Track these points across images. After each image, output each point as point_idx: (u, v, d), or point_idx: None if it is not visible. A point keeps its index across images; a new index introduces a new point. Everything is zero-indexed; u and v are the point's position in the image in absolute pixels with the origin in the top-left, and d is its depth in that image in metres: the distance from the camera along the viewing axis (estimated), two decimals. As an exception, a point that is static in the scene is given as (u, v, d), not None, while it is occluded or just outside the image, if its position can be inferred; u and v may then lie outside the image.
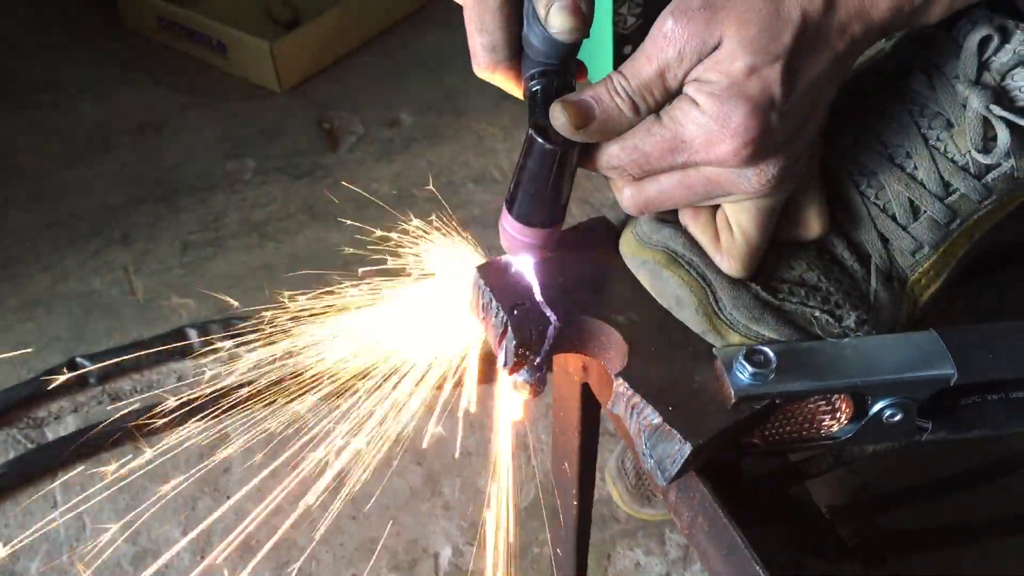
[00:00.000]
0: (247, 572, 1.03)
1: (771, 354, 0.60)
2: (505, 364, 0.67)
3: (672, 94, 0.58)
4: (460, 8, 0.62)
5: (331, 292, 0.82)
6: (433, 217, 0.80)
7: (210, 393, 0.90)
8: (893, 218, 0.69)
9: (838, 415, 0.65)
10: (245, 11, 2.51)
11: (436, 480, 1.50)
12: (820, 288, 0.68)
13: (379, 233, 0.85)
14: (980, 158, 0.67)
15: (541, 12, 0.58)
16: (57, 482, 1.50)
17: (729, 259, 0.66)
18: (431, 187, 1.89)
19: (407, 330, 0.78)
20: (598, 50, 2.15)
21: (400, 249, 0.81)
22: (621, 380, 0.62)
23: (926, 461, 1.29)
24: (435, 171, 2.13)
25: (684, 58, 0.56)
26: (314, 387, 0.82)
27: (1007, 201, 0.71)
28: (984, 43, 0.65)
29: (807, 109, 0.59)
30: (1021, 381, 0.65)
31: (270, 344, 0.85)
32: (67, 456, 1.50)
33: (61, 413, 1.61)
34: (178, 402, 0.95)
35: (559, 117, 0.58)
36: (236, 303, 1.58)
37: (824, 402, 0.64)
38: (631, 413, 0.61)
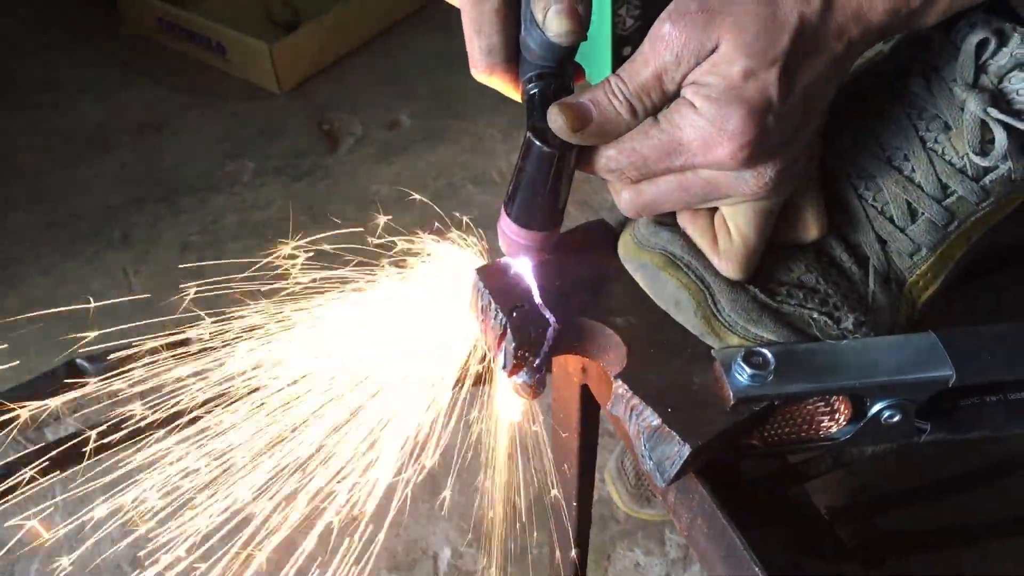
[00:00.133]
0: (247, 573, 1.03)
1: (770, 356, 0.60)
2: (504, 366, 0.67)
3: (670, 97, 0.58)
4: (459, 11, 0.62)
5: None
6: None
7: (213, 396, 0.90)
8: (891, 220, 0.69)
9: (837, 416, 0.65)
10: (245, 12, 2.51)
11: (436, 480, 1.50)
12: (818, 290, 0.68)
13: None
14: (978, 160, 0.67)
15: (538, 15, 0.58)
16: (57, 482, 1.50)
17: (727, 261, 0.66)
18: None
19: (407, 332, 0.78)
20: (597, 52, 2.15)
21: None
22: (620, 382, 0.62)
23: (925, 463, 1.29)
24: (434, 172, 2.14)
25: (681, 61, 0.56)
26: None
27: (1005, 203, 0.71)
28: (982, 46, 0.66)
29: (805, 112, 0.59)
30: (1019, 382, 0.65)
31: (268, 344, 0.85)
32: (67, 456, 1.50)
33: (61, 414, 1.61)
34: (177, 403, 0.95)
35: (557, 119, 0.58)
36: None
37: (823, 403, 0.64)
38: (630, 414, 0.61)
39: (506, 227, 0.65)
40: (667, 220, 0.69)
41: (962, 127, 0.67)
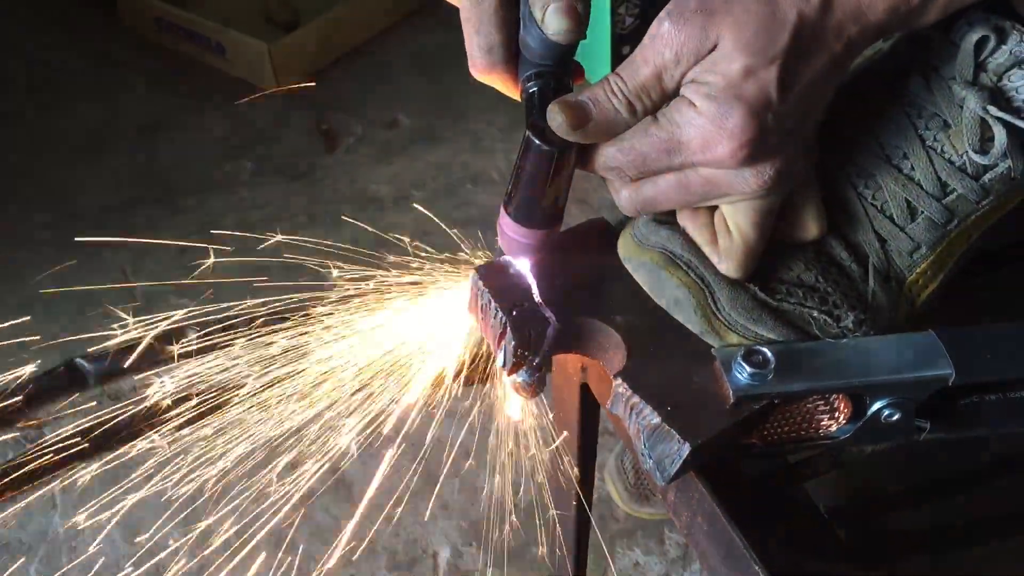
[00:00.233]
0: (247, 573, 1.03)
1: (769, 354, 0.60)
2: (504, 365, 0.67)
3: (669, 96, 0.58)
4: (457, 10, 0.62)
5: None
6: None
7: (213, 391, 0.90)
8: (891, 219, 0.69)
9: (836, 415, 0.65)
10: (244, 12, 2.51)
11: (435, 480, 1.50)
12: (818, 288, 0.68)
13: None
14: (977, 159, 0.67)
15: (537, 14, 0.58)
16: (57, 482, 1.50)
17: (727, 260, 0.66)
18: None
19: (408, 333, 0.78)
20: (596, 51, 2.15)
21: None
22: (620, 380, 0.62)
23: (925, 462, 1.29)
24: (433, 172, 2.13)
25: (681, 60, 0.56)
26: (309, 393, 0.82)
27: (1004, 201, 0.71)
28: (981, 44, 0.66)
29: (804, 110, 0.59)
30: (1019, 381, 0.65)
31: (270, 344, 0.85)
32: (67, 456, 1.50)
33: (61, 414, 1.61)
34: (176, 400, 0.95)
35: (556, 118, 0.58)
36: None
37: (823, 402, 0.64)
38: (630, 413, 0.61)
39: (506, 225, 0.65)
40: (667, 218, 0.69)
41: (961, 125, 0.67)
